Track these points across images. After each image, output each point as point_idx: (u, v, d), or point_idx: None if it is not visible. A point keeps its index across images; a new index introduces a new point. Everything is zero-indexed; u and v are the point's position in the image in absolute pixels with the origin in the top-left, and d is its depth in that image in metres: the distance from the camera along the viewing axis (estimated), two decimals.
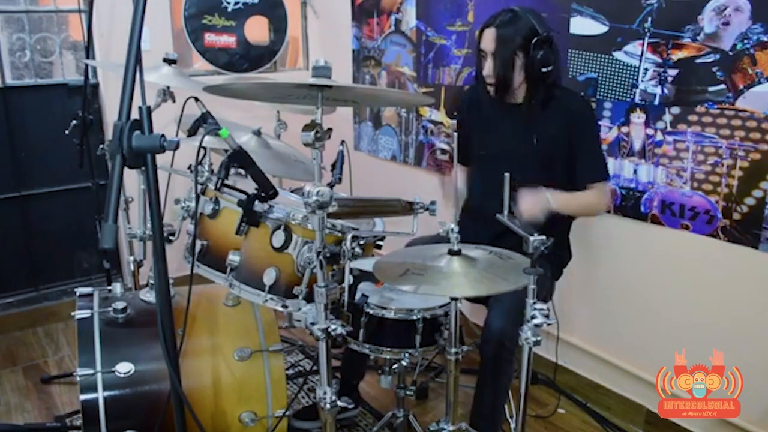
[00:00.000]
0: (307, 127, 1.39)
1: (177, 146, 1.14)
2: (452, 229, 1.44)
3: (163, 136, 1.10)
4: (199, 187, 1.72)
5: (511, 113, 1.99)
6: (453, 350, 1.59)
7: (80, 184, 2.93)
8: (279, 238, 1.60)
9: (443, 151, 2.90)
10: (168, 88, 2.17)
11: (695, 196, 1.97)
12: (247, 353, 1.79)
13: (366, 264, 1.56)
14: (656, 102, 2.02)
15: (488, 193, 2.14)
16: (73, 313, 1.76)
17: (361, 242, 1.53)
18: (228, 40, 3.21)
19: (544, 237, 1.31)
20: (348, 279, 1.54)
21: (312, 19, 3.55)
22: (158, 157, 1.15)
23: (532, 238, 1.30)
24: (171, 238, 1.89)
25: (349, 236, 1.51)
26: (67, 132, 2.41)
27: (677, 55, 1.94)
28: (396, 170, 3.19)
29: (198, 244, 1.70)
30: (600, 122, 2.18)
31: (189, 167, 1.81)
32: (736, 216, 1.89)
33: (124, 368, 1.66)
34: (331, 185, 1.44)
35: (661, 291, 2.14)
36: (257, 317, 1.89)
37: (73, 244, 3.10)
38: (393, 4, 3.00)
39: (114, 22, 2.85)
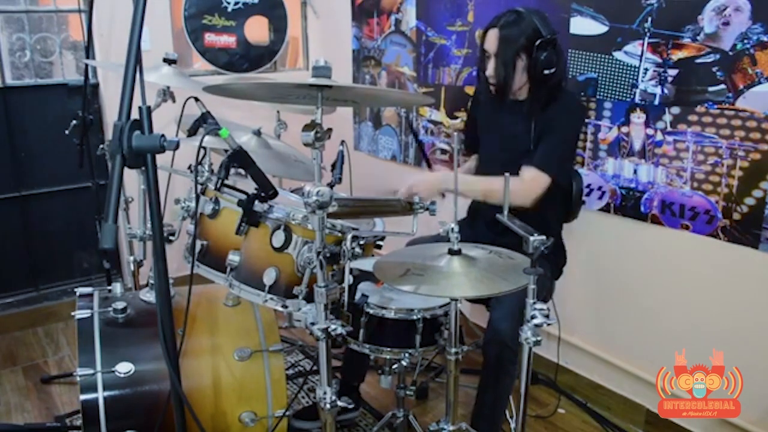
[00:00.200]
0: (307, 127, 1.39)
1: (177, 146, 1.13)
2: (452, 229, 1.44)
3: (163, 136, 1.10)
4: (199, 187, 1.72)
5: (512, 114, 1.99)
6: (453, 350, 1.59)
7: (80, 184, 2.93)
8: (279, 238, 1.60)
9: (443, 151, 2.90)
10: (168, 88, 2.17)
11: (695, 196, 1.97)
12: (247, 353, 1.79)
13: (366, 264, 1.56)
14: (656, 102, 2.02)
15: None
16: (73, 313, 1.76)
17: (361, 242, 1.53)
18: (228, 40, 3.21)
19: (544, 237, 1.31)
20: (348, 279, 1.54)
21: (312, 19, 3.55)
22: (158, 157, 1.15)
23: (532, 238, 1.30)
24: (171, 238, 1.89)
25: (349, 236, 1.51)
26: (67, 132, 2.41)
27: (677, 55, 1.94)
28: (396, 170, 3.19)
29: (198, 244, 1.70)
30: (600, 122, 2.18)
31: (189, 167, 1.81)
32: (736, 216, 1.89)
33: (124, 368, 1.66)
34: (331, 185, 1.44)
35: (661, 291, 2.14)
36: (257, 317, 1.89)
37: (73, 244, 3.10)
38: (393, 4, 3.00)
39: (114, 22, 2.85)
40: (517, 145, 1.97)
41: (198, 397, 1.73)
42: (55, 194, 3.04)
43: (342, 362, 2.28)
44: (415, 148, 3.04)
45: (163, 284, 1.22)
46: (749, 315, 1.92)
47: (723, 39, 1.83)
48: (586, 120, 2.21)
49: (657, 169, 2.06)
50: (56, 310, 3.05)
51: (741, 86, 1.81)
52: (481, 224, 2.09)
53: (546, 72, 1.85)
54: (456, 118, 2.78)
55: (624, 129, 2.13)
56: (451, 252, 1.43)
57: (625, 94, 2.10)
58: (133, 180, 2.29)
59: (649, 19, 1.99)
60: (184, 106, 1.79)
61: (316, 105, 1.43)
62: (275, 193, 1.61)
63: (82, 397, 1.62)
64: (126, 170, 1.09)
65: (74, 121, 2.40)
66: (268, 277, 1.60)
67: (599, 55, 2.15)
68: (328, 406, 1.48)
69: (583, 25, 2.17)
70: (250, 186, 1.64)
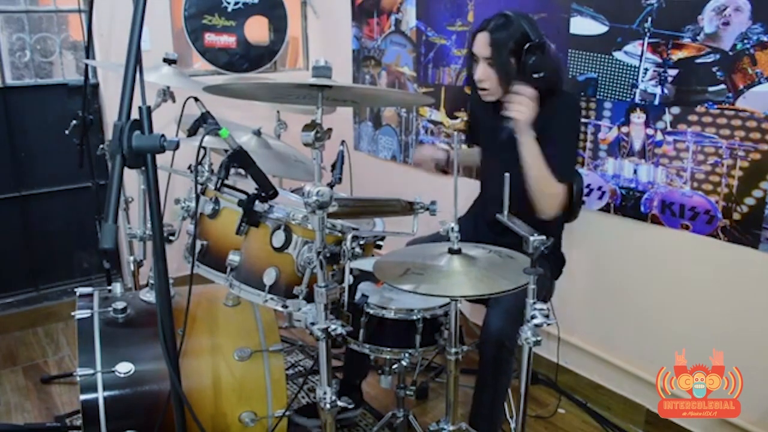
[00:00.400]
0: (307, 127, 1.39)
1: (177, 146, 1.13)
2: (452, 228, 1.44)
3: (163, 136, 1.10)
4: (199, 187, 1.72)
5: (505, 117, 1.98)
6: (453, 350, 1.59)
7: (80, 184, 2.93)
8: (279, 238, 1.60)
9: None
10: (168, 88, 2.17)
11: (695, 196, 1.97)
12: (247, 353, 1.79)
13: (366, 264, 1.56)
14: (656, 102, 2.02)
15: (487, 192, 2.15)
16: (73, 313, 1.76)
17: (361, 242, 1.53)
18: (228, 40, 3.21)
19: (544, 237, 1.31)
20: (348, 279, 1.54)
21: (312, 19, 3.55)
22: (158, 157, 1.15)
23: (532, 238, 1.30)
24: (171, 238, 1.89)
25: (349, 236, 1.51)
26: (67, 132, 2.41)
27: (677, 55, 1.94)
28: (396, 170, 3.19)
29: (198, 244, 1.70)
30: (600, 122, 2.18)
31: (189, 167, 1.81)
32: (736, 216, 1.89)
33: (124, 368, 1.66)
34: (331, 185, 1.44)
35: (661, 291, 2.14)
36: (257, 317, 1.89)
37: (73, 244, 3.10)
38: (393, 4, 3.00)
39: (114, 22, 2.85)
40: (511, 148, 1.96)
41: (198, 397, 1.73)
42: (55, 194, 3.04)
43: (343, 361, 2.28)
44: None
45: (163, 284, 1.22)
46: (749, 315, 1.92)
47: (723, 39, 1.83)
48: (586, 120, 2.21)
49: (657, 169, 2.06)
50: (56, 310, 3.05)
51: (741, 86, 1.81)
52: (482, 224, 2.09)
53: (535, 76, 1.84)
54: (456, 118, 2.78)
55: (624, 129, 2.13)
56: (451, 251, 1.43)
57: (625, 94, 2.10)
58: (133, 180, 2.29)
59: (649, 19, 1.99)
60: (184, 106, 1.79)
61: (316, 105, 1.43)
62: (275, 193, 1.61)
63: (82, 397, 1.62)
64: (126, 170, 1.09)
65: (74, 121, 2.40)
66: (269, 277, 1.60)
67: (599, 55, 2.15)
68: (328, 406, 1.48)
69: (583, 25, 2.17)
70: (250, 186, 1.64)
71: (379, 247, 1.77)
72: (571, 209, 2.11)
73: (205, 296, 1.92)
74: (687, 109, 1.95)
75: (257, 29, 3.29)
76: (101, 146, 2.45)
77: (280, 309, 1.64)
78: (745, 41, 1.78)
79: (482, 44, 1.89)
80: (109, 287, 1.93)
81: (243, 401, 1.79)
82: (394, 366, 1.72)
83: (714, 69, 1.86)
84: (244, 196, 1.62)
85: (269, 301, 1.62)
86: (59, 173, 2.98)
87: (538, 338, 1.34)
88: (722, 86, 1.85)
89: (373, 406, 2.35)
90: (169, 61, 2.15)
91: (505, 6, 2.00)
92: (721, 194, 1.91)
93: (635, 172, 2.12)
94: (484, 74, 1.91)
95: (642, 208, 2.12)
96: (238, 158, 1.61)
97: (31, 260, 3.04)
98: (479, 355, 1.83)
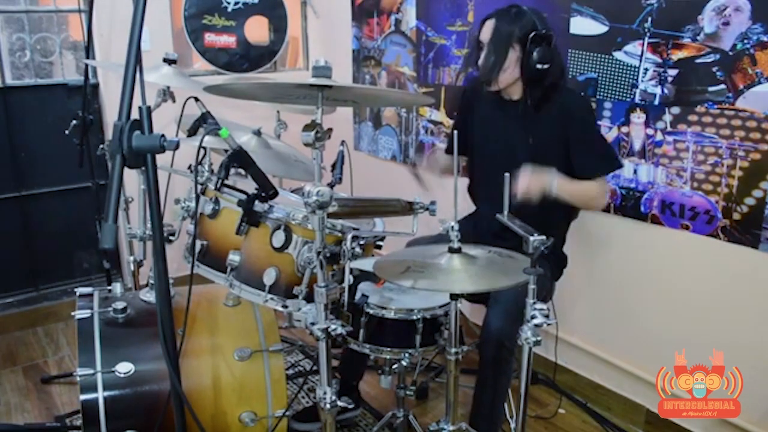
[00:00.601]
0: (307, 127, 1.39)
1: (177, 146, 1.13)
2: (452, 228, 1.44)
3: (163, 136, 1.10)
4: (199, 187, 1.72)
5: (507, 112, 1.98)
6: (453, 350, 1.59)
7: (80, 184, 2.93)
8: (279, 238, 1.60)
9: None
10: (168, 88, 2.17)
11: (695, 196, 1.97)
12: (247, 353, 1.79)
13: (366, 264, 1.56)
14: (656, 102, 2.02)
15: (487, 192, 2.15)
16: (73, 313, 1.76)
17: (361, 242, 1.53)
18: (228, 40, 3.21)
19: (544, 237, 1.31)
20: (348, 279, 1.54)
21: (312, 19, 3.55)
22: (158, 157, 1.15)
23: (532, 238, 1.30)
24: (171, 238, 1.89)
25: (349, 236, 1.51)
26: (67, 132, 2.41)
27: (677, 55, 1.94)
28: (396, 170, 3.19)
29: (198, 244, 1.70)
30: (600, 122, 2.18)
31: (189, 167, 1.81)
32: (736, 216, 1.89)
33: (124, 368, 1.66)
34: (331, 185, 1.44)
35: (662, 291, 2.14)
36: (257, 317, 1.89)
37: (73, 244, 3.10)
38: (393, 4, 3.00)
39: (114, 22, 2.85)
40: (513, 145, 1.96)
41: (198, 397, 1.73)
42: (55, 194, 3.04)
43: (340, 362, 2.28)
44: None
45: (163, 284, 1.22)
46: (749, 315, 1.92)
47: (723, 39, 1.83)
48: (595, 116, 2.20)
49: (657, 169, 2.06)
50: (56, 310, 3.05)
51: (741, 86, 1.81)
52: (483, 224, 2.09)
53: (539, 67, 1.84)
54: (457, 110, 2.77)
55: (624, 129, 2.13)
56: (452, 250, 1.43)
57: (625, 94, 2.10)
58: (133, 180, 2.29)
59: (649, 19, 1.99)
60: (184, 106, 1.78)
61: (316, 105, 1.43)
62: (275, 193, 1.61)
63: (82, 397, 1.62)
64: (126, 170, 1.09)
65: (74, 121, 2.40)
66: (269, 277, 1.60)
67: (599, 55, 2.15)
68: (328, 406, 1.48)
69: (583, 25, 2.17)
70: (250, 186, 1.64)
71: (379, 247, 1.77)
72: (571, 209, 2.11)
73: (205, 296, 1.92)
74: (687, 109, 1.95)
75: (257, 29, 3.29)
76: (101, 146, 2.45)
77: (280, 309, 1.63)
78: (745, 41, 1.78)
79: (488, 29, 1.91)
80: (109, 287, 1.93)
81: (243, 401, 1.79)
82: (394, 366, 1.72)
83: (714, 69, 1.86)
84: (244, 196, 1.62)
85: (269, 301, 1.62)
86: (59, 173, 2.99)
87: (538, 338, 1.34)
88: (722, 86, 1.85)
89: (373, 406, 2.35)
90: (169, 61, 2.15)
91: (506, 5, 1.99)
92: (721, 194, 1.91)
93: (635, 172, 2.12)
94: (485, 59, 1.92)
95: (642, 208, 2.12)
96: (238, 158, 1.60)
97: (31, 260, 3.04)
98: (479, 355, 1.83)
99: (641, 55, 2.03)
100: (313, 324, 1.46)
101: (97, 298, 1.83)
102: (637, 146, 2.10)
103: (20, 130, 2.90)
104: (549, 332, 2.21)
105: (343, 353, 2.27)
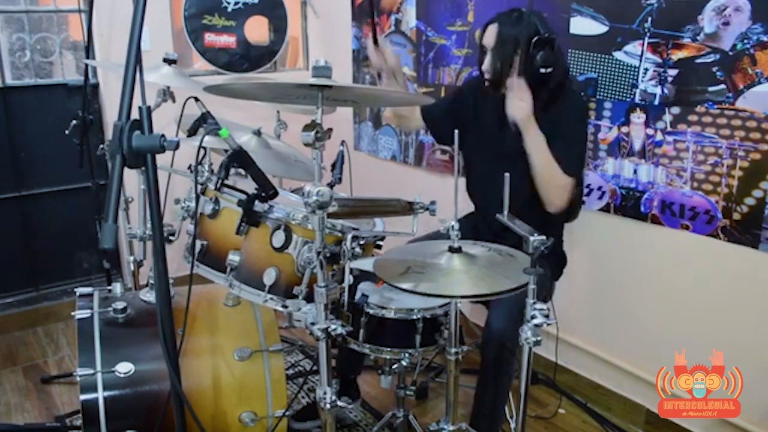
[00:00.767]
0: (307, 127, 1.38)
1: (177, 146, 1.13)
2: (453, 227, 1.44)
3: (163, 136, 1.10)
4: (199, 187, 1.72)
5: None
6: (453, 350, 1.59)
7: (80, 184, 2.93)
8: (279, 238, 1.60)
9: (443, 151, 2.90)
10: (168, 88, 2.17)
11: (695, 196, 1.97)
12: (247, 353, 1.79)
13: (366, 264, 1.56)
14: (656, 102, 2.02)
15: (487, 192, 2.15)
16: (73, 313, 1.76)
17: (361, 242, 1.53)
18: (228, 40, 3.21)
19: (544, 237, 1.31)
20: (348, 279, 1.54)
21: (312, 19, 3.55)
22: (158, 157, 1.15)
23: (532, 238, 1.30)
24: (171, 238, 1.89)
25: (349, 236, 1.51)
26: (67, 132, 2.41)
27: (677, 55, 1.94)
28: (396, 170, 3.19)
29: (198, 244, 1.70)
30: (600, 122, 2.18)
31: (189, 167, 1.81)
32: (736, 216, 1.89)
33: (124, 368, 1.66)
34: (331, 185, 1.44)
35: (661, 291, 2.14)
36: (257, 317, 1.89)
37: (73, 244, 3.10)
38: (393, 4, 3.00)
39: (114, 22, 2.85)
40: (515, 146, 1.96)
41: (198, 397, 1.73)
42: (55, 194, 3.04)
43: (337, 356, 2.27)
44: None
45: (163, 284, 1.22)
46: (749, 315, 1.92)
47: (723, 39, 1.83)
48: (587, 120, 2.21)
49: (657, 169, 2.06)
50: (56, 310, 3.05)
51: (741, 86, 1.81)
52: (482, 224, 2.09)
53: (542, 71, 1.84)
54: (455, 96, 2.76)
55: (624, 129, 2.13)
56: (452, 249, 1.43)
57: (625, 94, 2.10)
58: (133, 180, 2.29)
59: (649, 19, 1.99)
60: (184, 106, 1.78)
61: (316, 105, 1.43)
62: (275, 193, 1.61)
63: (82, 397, 1.62)
64: (126, 170, 1.09)
65: (74, 121, 2.40)
66: (268, 277, 1.60)
67: (599, 55, 2.15)
68: (328, 406, 1.48)
69: (583, 25, 2.17)
70: (250, 186, 1.64)
71: (379, 247, 1.77)
72: (571, 209, 2.11)
73: (205, 296, 1.92)
74: (687, 109, 1.95)
75: (257, 29, 3.29)
76: (101, 146, 2.45)
77: (280, 309, 1.63)
78: (745, 41, 1.78)
79: (491, 34, 1.91)
80: (109, 287, 1.93)
81: (243, 401, 1.79)
82: (394, 366, 1.72)
83: (714, 69, 1.86)
84: (244, 196, 1.62)
85: (269, 301, 1.62)
86: (59, 173, 2.99)
87: (539, 338, 1.34)
88: (722, 86, 1.85)
89: (373, 406, 2.35)
90: (169, 61, 2.15)
91: (506, 5, 2.00)
92: (721, 194, 1.91)
93: (635, 172, 2.12)
94: (490, 65, 1.92)
95: (642, 208, 2.12)
96: (238, 158, 1.60)
97: (31, 260, 3.04)
98: (481, 356, 1.84)
99: (641, 55, 2.03)
100: (313, 324, 1.46)
101: (97, 298, 1.83)
102: (637, 146, 2.10)
103: (20, 130, 2.90)
104: (549, 332, 2.21)
105: (337, 348, 2.26)
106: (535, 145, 1.85)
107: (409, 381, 1.89)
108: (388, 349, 1.62)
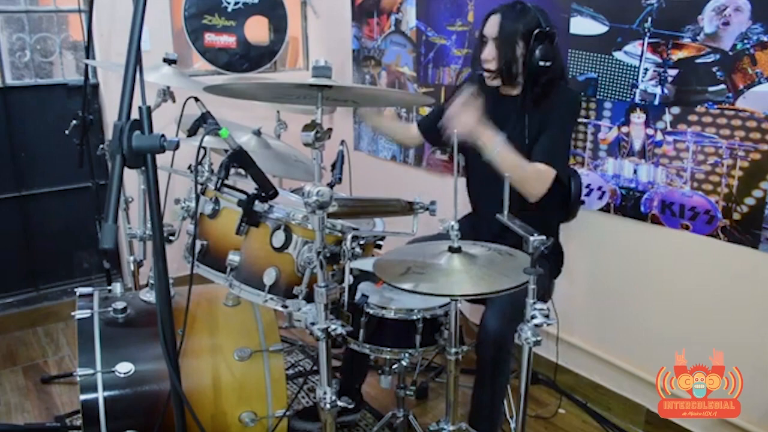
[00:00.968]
0: (307, 127, 1.39)
1: (177, 146, 1.13)
2: (453, 227, 1.44)
3: (163, 136, 1.10)
4: (199, 187, 1.72)
5: (506, 107, 1.99)
6: (453, 350, 1.59)
7: (80, 184, 2.93)
8: (279, 238, 1.60)
9: (443, 151, 2.90)
10: (168, 88, 2.17)
11: (695, 196, 1.97)
12: (247, 353, 1.79)
13: (366, 264, 1.56)
14: (656, 102, 2.02)
15: (485, 191, 2.14)
16: (73, 313, 1.76)
17: (361, 242, 1.53)
18: (228, 40, 3.21)
19: (544, 237, 1.31)
20: (348, 279, 1.54)
21: (312, 19, 3.55)
22: (158, 157, 1.15)
23: (532, 238, 1.30)
24: (171, 238, 1.89)
25: (349, 236, 1.51)
26: (67, 132, 2.41)
27: (677, 55, 1.94)
28: (396, 170, 3.19)
29: (198, 244, 1.70)
30: (600, 122, 2.18)
31: (189, 167, 1.81)
32: (736, 216, 1.89)
33: (124, 368, 1.66)
34: (331, 185, 1.44)
35: (661, 291, 2.14)
36: (257, 317, 1.89)
37: (73, 244, 3.10)
38: (393, 4, 3.00)
39: (114, 22, 2.85)
40: (512, 141, 1.96)
41: (198, 397, 1.73)
42: (55, 194, 3.04)
43: (342, 363, 2.28)
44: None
45: (163, 284, 1.22)
46: (749, 315, 1.92)
47: (723, 39, 1.83)
48: (586, 120, 2.21)
49: (657, 169, 2.06)
50: (56, 310, 3.05)
51: (741, 86, 1.81)
52: (482, 224, 2.09)
53: (541, 64, 1.85)
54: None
55: (624, 129, 2.13)
56: (452, 249, 1.43)
57: (625, 94, 2.10)
58: (133, 180, 2.29)
59: (649, 19, 1.99)
60: (184, 106, 1.78)
61: (316, 105, 1.43)
62: (275, 193, 1.61)
63: (82, 397, 1.62)
64: (126, 170, 1.09)
65: (74, 121, 2.40)
66: (268, 277, 1.60)
67: (599, 55, 2.15)
68: (328, 406, 1.48)
69: (583, 25, 2.17)
70: (250, 186, 1.64)
71: (379, 247, 1.77)
72: (568, 208, 2.11)
73: (205, 296, 1.92)
74: (687, 109, 1.95)
75: (257, 29, 3.29)
76: (101, 146, 2.45)
77: (280, 309, 1.63)
78: (745, 41, 1.78)
79: (493, 24, 1.92)
80: (109, 287, 1.93)
81: (243, 401, 1.79)
82: (394, 366, 1.72)
83: (714, 69, 1.86)
84: (244, 196, 1.62)
85: (269, 301, 1.62)
86: (59, 173, 2.99)
87: (539, 338, 1.34)
88: (722, 86, 1.85)
89: (373, 406, 2.35)
90: (169, 61, 2.15)
91: (510, 2, 1.99)
92: (721, 194, 1.91)
93: (635, 172, 2.12)
94: (491, 54, 1.93)
95: (642, 208, 2.12)
96: (238, 158, 1.60)
97: (30, 260, 3.04)
98: (477, 356, 1.83)
99: (641, 55, 2.03)
100: (313, 324, 1.46)
101: (97, 298, 1.83)
102: (637, 146, 2.10)
103: (20, 130, 2.90)
104: (549, 332, 2.21)
105: (344, 354, 2.27)
106: (505, 163, 1.80)
107: (409, 381, 1.89)
108: (388, 349, 1.62)
